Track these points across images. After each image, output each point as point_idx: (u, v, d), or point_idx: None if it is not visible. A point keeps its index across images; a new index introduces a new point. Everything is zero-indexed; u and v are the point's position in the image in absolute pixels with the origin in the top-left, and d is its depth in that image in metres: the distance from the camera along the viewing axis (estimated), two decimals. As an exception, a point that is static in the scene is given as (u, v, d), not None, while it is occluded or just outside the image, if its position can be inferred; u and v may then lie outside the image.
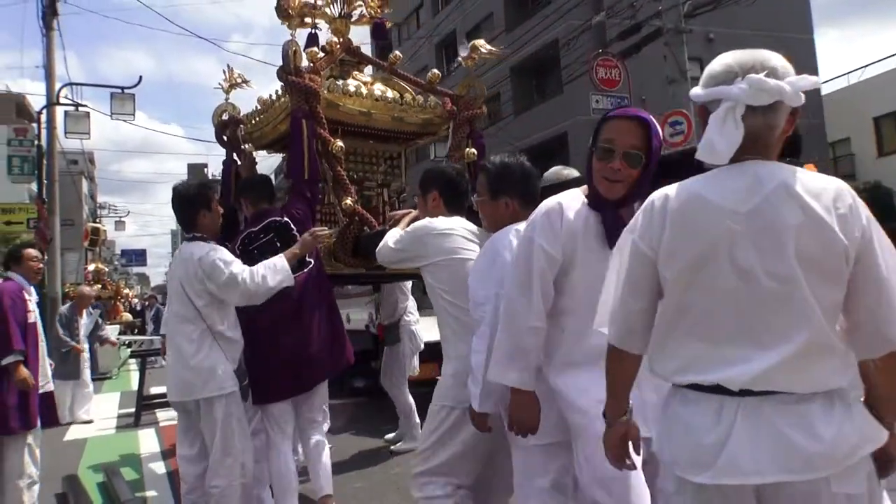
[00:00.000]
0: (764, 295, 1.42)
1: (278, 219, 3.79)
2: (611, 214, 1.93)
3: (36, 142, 15.48)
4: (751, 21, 22.87)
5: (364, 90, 4.38)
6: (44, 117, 14.85)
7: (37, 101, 31.44)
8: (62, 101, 14.72)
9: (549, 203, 2.03)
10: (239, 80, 4.64)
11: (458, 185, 2.89)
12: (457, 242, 2.64)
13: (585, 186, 2.09)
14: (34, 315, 4.42)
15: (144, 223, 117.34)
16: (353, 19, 4.57)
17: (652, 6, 12.83)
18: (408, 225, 2.91)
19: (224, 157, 4.69)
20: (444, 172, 2.95)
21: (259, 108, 4.57)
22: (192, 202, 3.47)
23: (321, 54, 4.23)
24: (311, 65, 4.11)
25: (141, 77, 15.26)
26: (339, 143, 4.08)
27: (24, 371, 4.15)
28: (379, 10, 4.63)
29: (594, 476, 1.91)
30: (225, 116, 4.60)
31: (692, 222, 1.48)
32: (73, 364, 7.85)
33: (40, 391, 4.35)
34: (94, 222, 25.81)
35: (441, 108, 4.66)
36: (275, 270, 3.37)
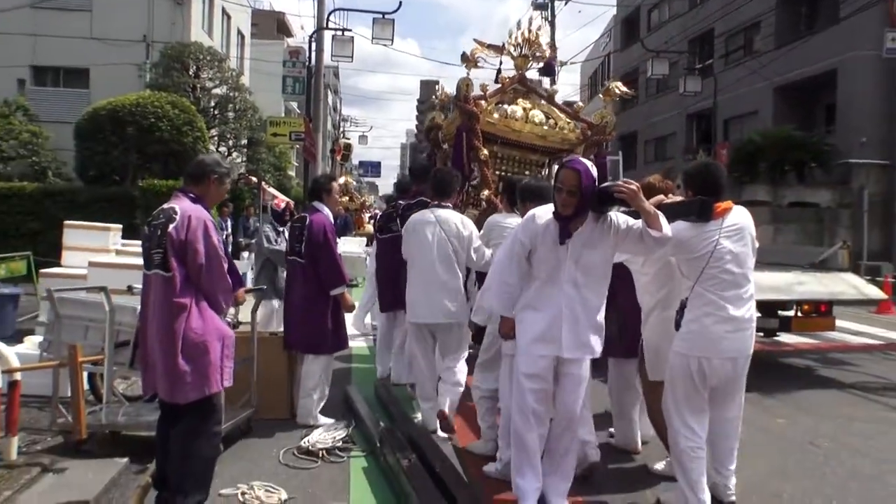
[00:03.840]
0: None
1: (424, 199, 5.70)
2: (563, 224, 3.44)
3: (307, 63, 18.78)
4: None
5: (519, 113, 6.41)
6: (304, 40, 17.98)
7: (293, 20, 36.37)
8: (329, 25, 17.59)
9: (529, 213, 3.67)
10: (448, 100, 6.87)
11: (515, 192, 4.55)
12: (507, 231, 4.38)
13: None
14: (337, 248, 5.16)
15: (378, 136, 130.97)
16: (530, 58, 6.70)
17: None
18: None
19: (429, 149, 7.39)
20: (510, 183, 4.83)
21: (450, 117, 6.81)
22: (455, 181, 5.15)
23: (491, 87, 6.48)
24: (482, 93, 6.26)
25: (401, 2, 16.65)
26: (485, 151, 6.19)
27: (350, 298, 5.16)
28: (549, 54, 6.77)
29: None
30: (433, 122, 7.06)
31: None
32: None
33: None
34: (340, 134, 30.41)
35: (578, 132, 6.56)
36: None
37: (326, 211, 5.16)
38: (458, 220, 4.87)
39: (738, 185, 19.67)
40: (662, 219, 3.43)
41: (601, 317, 3.60)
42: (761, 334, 7.75)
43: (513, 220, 4.41)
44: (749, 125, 23.48)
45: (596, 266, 3.52)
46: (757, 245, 3.73)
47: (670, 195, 4.11)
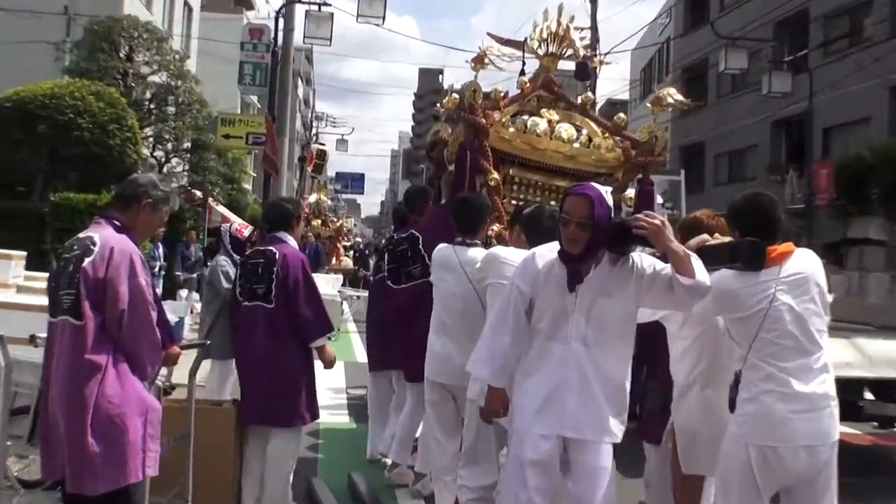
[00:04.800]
0: None
1: (415, 233, 6.16)
2: (572, 267, 3.55)
3: (271, 46, 19.04)
4: None
5: (543, 126, 6.54)
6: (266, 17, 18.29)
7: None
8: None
9: (528, 253, 3.82)
10: (454, 108, 6.93)
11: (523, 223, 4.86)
12: (507, 269, 4.35)
13: None
14: None
15: (361, 139, 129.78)
16: (559, 58, 6.92)
17: None
18: None
19: (431, 171, 7.47)
20: (520, 213, 5.03)
21: (457, 131, 6.97)
22: (485, 211, 5.35)
23: (503, 92, 6.64)
24: (492, 100, 6.47)
25: (395, -31, 17.40)
26: (495, 175, 6.33)
27: (331, 351, 5.34)
28: (584, 52, 7.01)
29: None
30: (436, 137, 7.22)
31: None
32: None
33: None
34: (313, 138, 30.49)
35: (619, 151, 6.74)
36: None
37: (294, 243, 5.40)
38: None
39: (842, 218, 19.71)
40: (696, 262, 3.50)
41: (624, 389, 3.68)
42: (875, 424, 7.78)
43: (513, 254, 4.54)
44: (858, 136, 23.61)
45: (613, 322, 3.61)
46: (829, 299, 3.77)
47: (716, 235, 4.16)
